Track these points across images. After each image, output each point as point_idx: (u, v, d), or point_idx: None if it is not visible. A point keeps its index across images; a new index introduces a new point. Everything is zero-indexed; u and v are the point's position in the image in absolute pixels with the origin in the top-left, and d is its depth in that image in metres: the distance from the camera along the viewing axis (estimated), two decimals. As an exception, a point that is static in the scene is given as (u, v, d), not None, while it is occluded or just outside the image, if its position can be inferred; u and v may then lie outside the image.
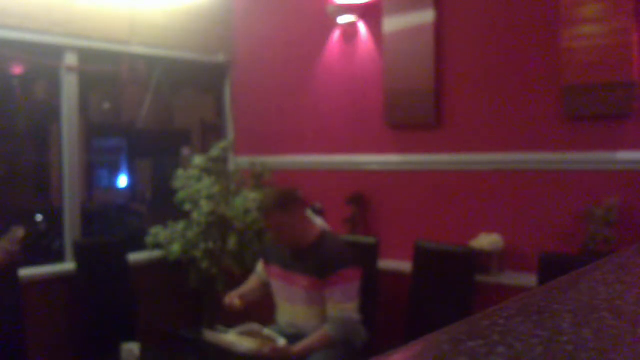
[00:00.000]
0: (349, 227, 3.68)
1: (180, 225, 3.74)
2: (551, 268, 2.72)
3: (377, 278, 3.35)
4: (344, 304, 2.81)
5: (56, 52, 3.58)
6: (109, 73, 4.07)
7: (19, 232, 2.56)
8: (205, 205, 3.64)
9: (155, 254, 3.85)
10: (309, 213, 3.69)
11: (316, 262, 2.85)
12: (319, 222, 3.20)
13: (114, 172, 4.63)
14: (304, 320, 2.92)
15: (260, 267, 3.21)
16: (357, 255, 2.97)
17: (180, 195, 3.75)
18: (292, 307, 2.97)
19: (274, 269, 3.05)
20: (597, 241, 2.76)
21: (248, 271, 3.37)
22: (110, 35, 3.73)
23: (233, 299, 3.03)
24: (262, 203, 3.15)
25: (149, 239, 3.78)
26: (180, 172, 3.82)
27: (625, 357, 0.58)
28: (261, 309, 3.22)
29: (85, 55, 3.68)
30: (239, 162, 4.26)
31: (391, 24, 3.55)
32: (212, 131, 4.57)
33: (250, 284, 3.21)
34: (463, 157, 3.34)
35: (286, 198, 2.90)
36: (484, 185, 3.27)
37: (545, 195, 3.06)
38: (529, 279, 2.90)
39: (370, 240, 3.42)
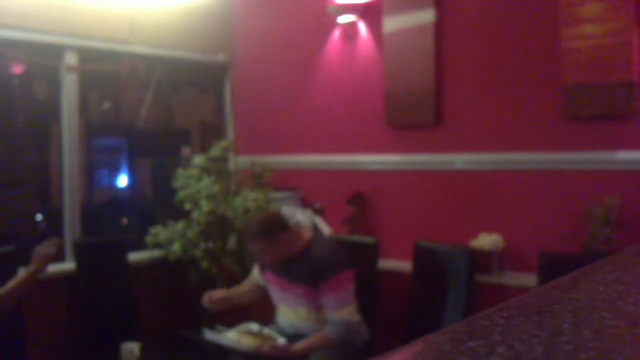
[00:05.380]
0: (349, 227, 3.68)
1: (180, 225, 3.74)
2: (551, 268, 2.72)
3: (377, 278, 3.35)
4: (341, 309, 2.81)
5: (56, 51, 3.58)
6: (109, 73, 4.07)
7: (55, 239, 2.83)
8: (205, 205, 3.64)
9: (155, 253, 3.85)
10: (309, 213, 3.69)
11: (307, 270, 2.84)
12: (318, 222, 3.20)
13: (114, 172, 4.62)
14: (303, 322, 2.93)
15: (256, 272, 3.21)
16: (349, 256, 2.96)
17: (180, 194, 3.75)
18: (292, 310, 2.97)
19: (269, 276, 3.06)
20: (597, 241, 2.76)
21: (248, 271, 3.37)
22: (110, 35, 3.73)
23: (211, 295, 3.02)
24: (245, 231, 3.14)
25: (149, 239, 3.78)
26: (180, 171, 3.82)
27: (625, 357, 0.58)
28: (261, 309, 3.22)
29: (85, 55, 3.67)
30: (239, 161, 4.26)
31: (391, 23, 3.55)
32: (212, 131, 4.57)
33: (243, 287, 3.21)
34: (463, 157, 3.34)
35: (269, 225, 2.85)
36: (484, 185, 3.27)
37: (545, 195, 3.06)
38: (529, 279, 2.90)
39: (370, 240, 3.42)
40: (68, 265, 3.57)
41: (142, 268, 3.83)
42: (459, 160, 3.35)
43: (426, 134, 3.48)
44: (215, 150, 3.87)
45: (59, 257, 3.05)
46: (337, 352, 2.81)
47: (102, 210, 4.35)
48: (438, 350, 0.61)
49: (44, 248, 2.75)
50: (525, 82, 3.12)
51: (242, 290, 3.20)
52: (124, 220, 4.15)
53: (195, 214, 3.68)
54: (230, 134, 4.45)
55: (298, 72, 4.09)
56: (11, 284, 2.65)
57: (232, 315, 3.25)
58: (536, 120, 3.08)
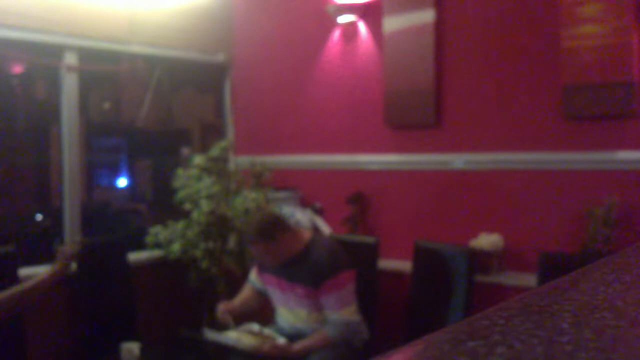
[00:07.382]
0: (349, 227, 3.68)
1: (180, 225, 3.74)
2: (551, 268, 2.72)
3: (377, 278, 3.35)
4: (341, 310, 2.81)
5: (56, 51, 3.57)
6: (109, 73, 4.07)
7: (78, 239, 2.96)
8: (205, 205, 3.64)
9: (155, 253, 3.85)
10: (309, 213, 3.68)
11: (307, 271, 2.84)
12: (318, 222, 3.20)
13: (114, 172, 4.63)
14: (303, 323, 2.92)
15: (253, 275, 3.20)
16: (349, 256, 2.96)
17: (180, 194, 3.75)
18: (291, 311, 2.97)
19: (268, 277, 3.05)
20: (597, 241, 2.76)
21: (248, 271, 3.37)
22: (110, 35, 3.73)
23: (225, 314, 3.00)
24: (245, 232, 3.12)
25: (149, 239, 3.78)
26: (180, 171, 3.82)
27: (625, 357, 0.58)
28: (261, 309, 3.22)
29: (85, 54, 3.67)
30: (239, 161, 4.26)
31: (391, 23, 3.55)
32: (212, 131, 4.57)
33: (244, 294, 3.19)
34: (463, 157, 3.34)
35: (269, 226, 2.84)
36: (484, 185, 3.27)
37: (545, 195, 3.06)
38: (529, 279, 2.90)
39: (370, 240, 3.42)
40: (68, 265, 3.56)
41: (142, 268, 3.83)
42: (459, 160, 3.35)
43: (426, 134, 3.48)
44: (215, 150, 3.86)
45: (81, 257, 3.07)
46: (337, 352, 2.81)
47: (102, 210, 4.35)
48: (438, 350, 0.61)
49: (67, 248, 2.79)
50: (525, 82, 3.12)
51: (243, 299, 3.17)
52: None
53: (195, 214, 3.68)
54: (230, 134, 4.45)
55: (298, 72, 4.09)
56: (33, 281, 2.65)
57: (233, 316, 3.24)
58: (536, 120, 3.08)
